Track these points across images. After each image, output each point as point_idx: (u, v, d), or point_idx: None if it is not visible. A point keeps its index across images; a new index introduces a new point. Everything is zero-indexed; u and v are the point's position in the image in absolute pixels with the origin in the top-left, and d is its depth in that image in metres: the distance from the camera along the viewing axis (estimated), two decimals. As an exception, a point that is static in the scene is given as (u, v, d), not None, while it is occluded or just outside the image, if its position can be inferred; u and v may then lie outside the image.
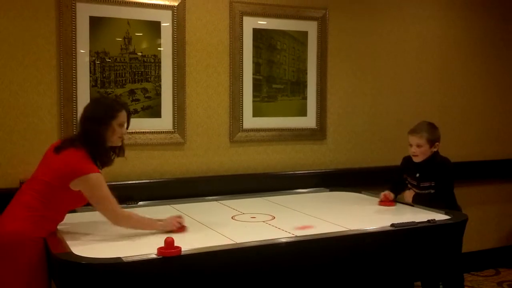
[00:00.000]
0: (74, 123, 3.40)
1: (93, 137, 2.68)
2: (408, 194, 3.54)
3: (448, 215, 3.14)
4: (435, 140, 3.46)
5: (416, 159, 3.49)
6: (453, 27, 4.78)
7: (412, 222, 2.92)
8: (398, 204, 3.51)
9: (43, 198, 2.60)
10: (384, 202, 3.50)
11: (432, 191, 3.45)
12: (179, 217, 2.83)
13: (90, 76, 3.50)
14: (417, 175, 3.51)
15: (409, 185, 3.60)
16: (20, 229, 2.52)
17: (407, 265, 2.96)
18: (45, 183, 2.62)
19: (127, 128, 2.84)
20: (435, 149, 3.47)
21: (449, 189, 3.47)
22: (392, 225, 2.88)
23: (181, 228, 2.78)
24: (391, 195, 3.51)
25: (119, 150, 2.88)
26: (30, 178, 2.73)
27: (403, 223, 2.90)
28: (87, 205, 3.21)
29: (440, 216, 3.12)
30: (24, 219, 2.55)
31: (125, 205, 3.37)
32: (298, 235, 2.74)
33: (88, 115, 2.74)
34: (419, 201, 3.44)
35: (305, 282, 2.64)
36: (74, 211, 3.10)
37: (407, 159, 3.60)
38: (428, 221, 2.97)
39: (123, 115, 2.77)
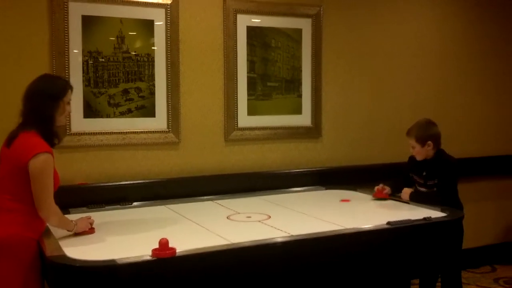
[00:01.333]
0: (67, 122, 3.37)
1: (44, 113, 2.58)
2: (405, 192, 3.53)
3: (444, 213, 3.13)
4: (426, 139, 3.45)
5: (418, 158, 3.52)
6: (450, 23, 4.77)
7: (408, 220, 2.91)
8: (393, 201, 3.51)
9: (16, 195, 2.54)
10: (378, 194, 3.55)
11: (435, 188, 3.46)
12: (89, 218, 2.77)
13: (83, 76, 3.47)
14: (424, 173, 3.51)
15: (416, 184, 3.59)
16: (10, 234, 2.48)
17: (403, 262, 2.95)
18: (10, 180, 2.55)
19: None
20: (429, 148, 3.45)
21: (450, 186, 3.46)
22: (388, 223, 2.87)
23: (91, 230, 2.72)
24: (385, 188, 3.55)
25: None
26: None
27: (399, 221, 2.89)
28: (80, 207, 3.21)
29: (436, 214, 3.11)
30: (9, 223, 2.51)
31: (119, 206, 3.37)
32: (293, 233, 2.72)
33: (39, 91, 2.61)
34: (417, 199, 3.43)
35: (301, 282, 2.63)
36: (67, 212, 3.09)
37: (413, 157, 3.60)
38: (424, 218, 2.96)
39: (70, 92, 2.71)
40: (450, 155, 3.54)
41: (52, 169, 2.56)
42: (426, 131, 3.47)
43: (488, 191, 5.01)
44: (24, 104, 2.63)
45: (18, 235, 2.49)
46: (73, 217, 3.01)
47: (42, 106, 2.59)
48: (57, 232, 2.68)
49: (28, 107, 2.62)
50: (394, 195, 3.59)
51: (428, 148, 3.45)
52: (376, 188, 3.59)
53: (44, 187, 2.52)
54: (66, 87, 2.70)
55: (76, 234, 2.67)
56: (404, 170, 3.69)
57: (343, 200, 3.57)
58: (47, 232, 2.66)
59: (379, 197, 3.56)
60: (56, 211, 2.59)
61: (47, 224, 2.66)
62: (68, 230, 2.67)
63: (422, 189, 3.52)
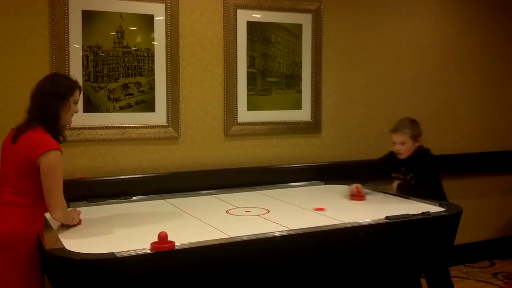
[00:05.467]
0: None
1: (50, 112, 2.64)
2: (394, 184, 3.56)
3: (443, 207, 3.14)
4: (418, 135, 3.47)
5: (401, 156, 3.50)
6: (449, 20, 4.77)
7: (407, 214, 2.92)
8: (389, 196, 3.52)
9: (20, 190, 2.57)
10: (355, 197, 3.48)
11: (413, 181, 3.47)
12: (75, 209, 2.85)
13: (83, 71, 3.48)
14: (403, 169, 3.53)
15: (394, 176, 3.61)
16: (13, 229, 2.50)
17: (401, 257, 2.96)
18: (15, 174, 2.58)
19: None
20: (418, 143, 3.47)
21: (431, 176, 3.46)
22: (387, 217, 2.88)
23: (79, 222, 2.80)
24: (359, 187, 3.52)
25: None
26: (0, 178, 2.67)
27: (397, 215, 2.90)
28: (79, 201, 3.22)
29: (434, 208, 3.12)
30: (13, 218, 2.53)
31: (119, 200, 3.39)
32: (292, 228, 2.73)
33: (46, 90, 2.67)
34: (404, 190, 3.46)
35: (300, 276, 2.64)
36: (67, 206, 3.09)
37: (393, 155, 3.60)
38: (423, 213, 2.97)
39: (77, 93, 2.76)
40: (427, 149, 3.54)
41: (63, 166, 2.62)
42: (417, 128, 3.49)
43: (487, 187, 5.02)
44: (31, 102, 2.69)
45: (19, 230, 2.51)
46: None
47: (49, 104, 2.65)
48: (56, 225, 2.70)
49: (35, 105, 2.67)
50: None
51: (418, 144, 3.46)
52: (350, 189, 3.52)
53: (55, 183, 2.58)
54: (73, 87, 2.74)
55: (69, 227, 2.72)
56: (382, 161, 3.69)
57: (317, 209, 3.21)
58: (46, 226, 2.67)
59: (356, 200, 3.49)
60: (64, 206, 2.65)
61: (51, 218, 2.68)
62: (68, 225, 2.71)
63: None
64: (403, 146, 3.47)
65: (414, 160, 3.48)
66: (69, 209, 2.79)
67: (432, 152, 3.54)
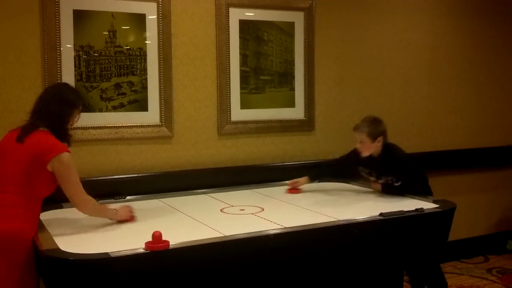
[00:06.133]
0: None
1: (61, 118, 2.73)
2: (375, 185, 3.55)
3: (436, 204, 3.15)
4: (378, 135, 3.44)
5: (362, 154, 3.50)
6: (442, 17, 4.78)
7: (401, 211, 2.93)
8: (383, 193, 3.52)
9: (22, 189, 2.57)
10: (291, 190, 3.65)
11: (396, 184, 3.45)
12: (128, 206, 2.94)
13: (75, 70, 3.46)
14: (371, 170, 3.55)
15: (363, 175, 3.64)
16: (12, 230, 2.48)
17: (395, 253, 2.97)
18: (20, 174, 2.58)
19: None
20: (379, 144, 3.44)
21: (414, 179, 3.43)
22: (381, 214, 2.88)
23: (132, 218, 2.88)
24: (300, 181, 3.66)
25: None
26: None
27: (391, 212, 2.91)
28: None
29: (428, 205, 3.13)
30: (12, 219, 2.51)
31: (113, 200, 3.37)
32: (286, 226, 2.74)
33: (59, 97, 2.76)
34: (390, 191, 3.44)
35: (295, 273, 2.65)
36: (60, 207, 3.09)
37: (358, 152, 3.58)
38: (416, 209, 2.98)
39: (81, 107, 2.87)
40: (399, 148, 3.52)
41: (74, 164, 2.68)
42: (377, 128, 3.46)
43: (481, 182, 5.04)
44: (42, 105, 2.75)
45: (16, 231, 2.49)
46: (65, 211, 3.04)
47: (61, 110, 2.74)
48: (51, 226, 2.69)
49: (47, 108, 2.73)
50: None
51: (378, 144, 3.44)
52: (289, 183, 3.70)
53: (75, 182, 2.66)
54: (82, 99, 2.90)
55: (119, 222, 2.82)
56: (346, 160, 3.72)
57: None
58: (41, 227, 2.66)
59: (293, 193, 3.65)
60: (89, 200, 2.72)
61: (45, 219, 2.68)
62: (110, 218, 2.81)
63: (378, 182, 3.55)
64: (361, 145, 3.47)
65: (383, 163, 3.46)
66: (119, 205, 2.92)
67: (402, 153, 3.50)
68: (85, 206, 2.71)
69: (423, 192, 3.40)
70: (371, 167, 3.56)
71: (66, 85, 2.96)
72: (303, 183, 3.69)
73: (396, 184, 3.41)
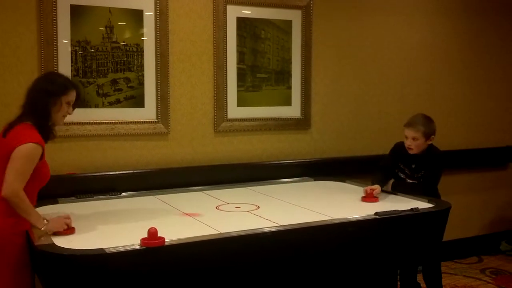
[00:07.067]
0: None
1: (40, 108, 2.61)
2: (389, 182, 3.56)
3: (431, 203, 3.16)
4: (431, 133, 3.45)
5: (411, 152, 3.48)
6: (440, 16, 4.78)
7: (396, 210, 2.94)
8: (381, 193, 3.52)
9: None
10: (368, 198, 3.29)
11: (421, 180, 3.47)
12: (67, 217, 2.59)
13: (72, 66, 3.45)
14: (413, 166, 3.51)
15: (400, 173, 3.58)
16: (1, 225, 2.47)
17: (390, 253, 2.98)
18: (2, 169, 2.52)
19: (73, 109, 2.76)
20: (430, 142, 3.46)
21: (436, 179, 3.47)
22: (376, 213, 2.89)
23: (69, 230, 2.54)
24: (376, 190, 3.32)
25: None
26: None
27: (386, 211, 2.91)
28: (68, 197, 3.20)
29: (423, 204, 3.14)
30: (2, 214, 2.49)
31: (108, 196, 3.37)
32: (281, 224, 2.74)
33: (39, 87, 2.65)
34: (399, 189, 3.45)
35: (290, 271, 2.65)
36: (56, 202, 3.08)
37: (401, 146, 3.55)
38: (412, 209, 2.98)
39: (73, 94, 2.70)
40: (437, 148, 3.55)
41: (36, 160, 2.53)
42: (431, 127, 3.46)
43: (475, 183, 5.06)
44: (25, 98, 2.68)
45: (5, 226, 2.47)
46: (61, 206, 3.03)
47: (40, 101, 2.62)
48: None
49: (28, 100, 2.66)
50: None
51: (429, 142, 3.45)
52: (365, 190, 3.35)
53: (20, 171, 2.47)
54: (67, 86, 2.68)
55: (54, 234, 2.49)
56: (390, 157, 3.62)
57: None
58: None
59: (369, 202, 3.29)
60: (20, 195, 2.46)
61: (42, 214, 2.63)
62: (37, 227, 2.49)
63: (409, 180, 3.54)
64: (414, 142, 3.44)
65: (425, 160, 3.46)
66: (54, 216, 2.62)
67: (441, 153, 3.51)
68: (12, 191, 2.44)
69: (433, 196, 3.37)
70: (410, 163, 3.52)
71: (49, 73, 2.85)
72: (380, 190, 3.37)
73: (410, 182, 3.43)
